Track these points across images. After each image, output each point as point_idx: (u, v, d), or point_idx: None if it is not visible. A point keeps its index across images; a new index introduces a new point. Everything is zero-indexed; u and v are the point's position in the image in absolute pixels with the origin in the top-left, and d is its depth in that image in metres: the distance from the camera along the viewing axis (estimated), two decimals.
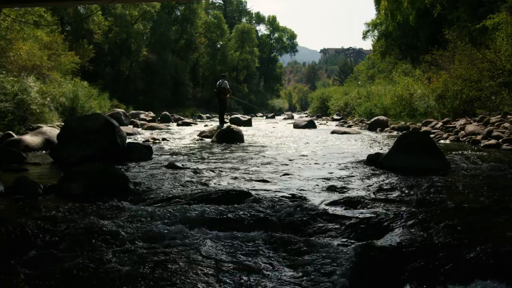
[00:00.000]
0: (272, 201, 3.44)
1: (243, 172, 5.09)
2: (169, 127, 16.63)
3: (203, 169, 5.35)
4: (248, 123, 17.68)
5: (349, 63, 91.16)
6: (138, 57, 33.04)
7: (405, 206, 3.26)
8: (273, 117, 37.12)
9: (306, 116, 30.52)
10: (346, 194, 3.74)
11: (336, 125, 18.22)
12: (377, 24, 27.14)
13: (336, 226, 2.79)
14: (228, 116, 20.25)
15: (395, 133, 12.81)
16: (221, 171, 5.15)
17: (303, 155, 6.77)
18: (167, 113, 23.14)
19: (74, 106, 14.31)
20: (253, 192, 3.80)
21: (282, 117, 39.44)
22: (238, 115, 21.80)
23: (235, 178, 4.66)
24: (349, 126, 17.30)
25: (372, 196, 3.66)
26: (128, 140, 7.18)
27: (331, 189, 3.99)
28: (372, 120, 15.74)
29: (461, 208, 3.17)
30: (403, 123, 14.17)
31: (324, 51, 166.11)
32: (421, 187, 3.99)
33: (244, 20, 62.92)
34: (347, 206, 3.32)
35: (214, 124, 17.40)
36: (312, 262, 2.19)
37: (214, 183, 4.29)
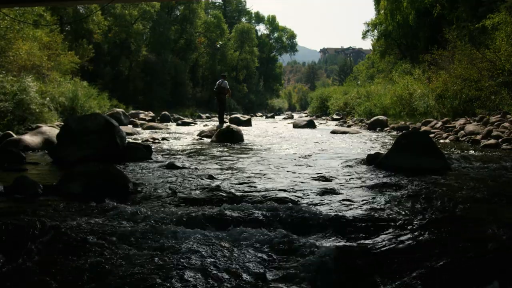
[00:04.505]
0: (271, 200, 3.45)
1: (242, 171, 5.09)
2: (169, 127, 16.63)
3: (202, 168, 5.35)
4: (247, 123, 17.68)
5: (348, 63, 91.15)
6: (137, 57, 33.01)
7: (404, 207, 3.26)
8: (272, 117, 37.13)
9: (305, 116, 30.55)
10: (345, 194, 3.74)
11: (336, 125, 18.22)
12: (377, 24, 27.16)
13: (334, 226, 2.79)
14: (228, 116, 20.25)
15: (394, 132, 12.81)
16: (221, 171, 5.15)
17: (302, 155, 6.77)
18: (166, 113, 23.13)
19: (74, 106, 14.31)
20: (251, 192, 3.80)
21: (281, 116, 39.46)
22: (238, 115, 21.80)
23: (235, 178, 4.66)
24: (349, 126, 17.30)
25: (371, 196, 3.66)
26: (127, 140, 7.18)
27: (330, 188, 3.99)
28: (371, 119, 15.74)
29: (460, 208, 3.17)
30: (403, 122, 14.18)
31: (323, 51, 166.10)
32: (420, 188, 3.99)
33: (243, 19, 62.85)
34: (346, 206, 3.32)
35: (213, 123, 17.40)
36: (306, 262, 2.18)
37: (214, 183, 4.28)
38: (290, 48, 69.58)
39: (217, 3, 59.19)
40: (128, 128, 13.15)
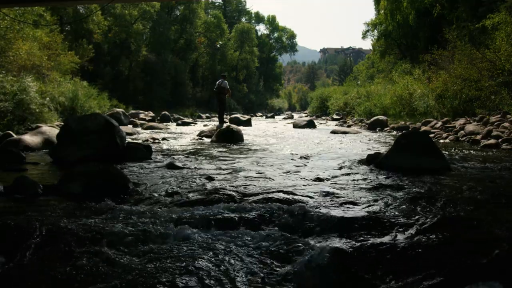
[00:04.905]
0: (270, 201, 3.44)
1: (242, 171, 5.09)
2: (169, 127, 16.63)
3: (203, 168, 5.34)
4: (247, 123, 17.69)
5: (348, 63, 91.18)
6: (137, 57, 33.02)
7: (403, 207, 3.26)
8: (272, 117, 37.14)
9: (305, 116, 30.56)
10: (345, 194, 3.73)
11: (336, 125, 18.23)
12: (377, 24, 27.19)
13: (333, 227, 2.78)
14: (228, 116, 20.25)
15: (394, 132, 12.81)
16: (221, 171, 5.14)
17: (302, 155, 6.77)
18: (166, 113, 23.14)
19: (74, 106, 14.32)
20: (251, 193, 3.80)
21: (281, 116, 39.47)
22: (238, 115, 21.80)
23: (235, 178, 4.66)
24: (349, 126, 17.30)
25: (371, 196, 3.66)
26: (127, 140, 7.18)
27: (330, 189, 3.99)
28: (371, 119, 15.75)
29: (460, 209, 3.17)
30: (403, 122, 14.18)
31: (323, 51, 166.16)
32: (420, 188, 3.99)
33: (243, 19, 62.87)
34: (345, 206, 3.31)
35: (213, 123, 17.40)
36: (306, 262, 2.17)
37: (214, 183, 4.28)
38: (290, 48, 69.60)
39: (217, 3, 59.27)
40: (128, 128, 13.15)
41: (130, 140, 8.46)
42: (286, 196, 3.62)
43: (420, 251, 2.29)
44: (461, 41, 14.65)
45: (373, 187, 4.06)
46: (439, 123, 11.71)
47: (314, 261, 2.16)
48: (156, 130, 14.22)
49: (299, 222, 2.86)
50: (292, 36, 69.02)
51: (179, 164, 5.53)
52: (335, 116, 25.70)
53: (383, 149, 7.32)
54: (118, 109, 18.32)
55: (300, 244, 2.41)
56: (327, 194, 3.76)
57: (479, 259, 2.14)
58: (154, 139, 10.00)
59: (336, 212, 3.07)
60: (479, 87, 11.85)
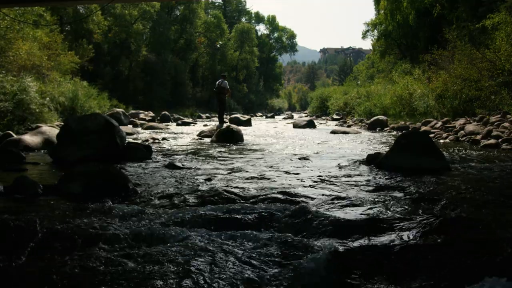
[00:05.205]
0: (270, 201, 3.44)
1: (242, 172, 5.09)
2: (169, 127, 16.63)
3: (202, 169, 5.34)
4: (247, 123, 17.69)
5: (348, 63, 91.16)
6: (137, 57, 33.03)
7: (403, 207, 3.26)
8: (272, 116, 37.17)
9: (305, 116, 30.58)
10: (345, 194, 3.73)
11: (336, 125, 18.23)
12: (377, 24, 27.20)
13: (333, 227, 2.78)
14: (228, 116, 20.25)
15: (394, 132, 12.81)
16: (221, 171, 5.14)
17: (302, 155, 6.77)
18: (166, 113, 23.14)
19: (74, 106, 14.33)
20: (250, 193, 3.80)
21: (281, 116, 39.50)
22: (238, 115, 21.80)
23: (234, 178, 4.66)
24: (349, 126, 17.31)
25: (371, 196, 3.66)
26: (127, 140, 7.17)
27: (329, 189, 3.99)
28: (371, 119, 15.75)
29: (460, 209, 3.17)
30: (403, 122, 14.18)
31: (323, 51, 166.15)
32: (420, 188, 3.99)
33: (243, 19, 62.88)
34: (345, 206, 3.31)
35: (213, 123, 17.40)
36: (306, 263, 2.17)
37: (214, 183, 4.28)
38: (290, 48, 69.61)
39: (217, 3, 59.26)
40: (128, 128, 13.15)
41: (130, 140, 8.45)
42: (285, 197, 3.62)
43: (420, 252, 2.29)
44: (461, 41, 14.65)
45: (373, 187, 4.06)
46: (439, 123, 11.71)
47: (314, 262, 2.16)
48: (156, 130, 14.22)
49: (299, 223, 2.86)
50: (292, 36, 69.02)
51: (179, 164, 5.53)
52: (335, 116, 25.71)
53: (383, 149, 7.32)
54: (118, 109, 18.31)
55: (300, 246, 2.40)
56: (327, 194, 3.75)
57: (480, 259, 2.13)
58: (154, 139, 10.00)
59: (336, 213, 3.07)
60: (479, 87, 11.85)
